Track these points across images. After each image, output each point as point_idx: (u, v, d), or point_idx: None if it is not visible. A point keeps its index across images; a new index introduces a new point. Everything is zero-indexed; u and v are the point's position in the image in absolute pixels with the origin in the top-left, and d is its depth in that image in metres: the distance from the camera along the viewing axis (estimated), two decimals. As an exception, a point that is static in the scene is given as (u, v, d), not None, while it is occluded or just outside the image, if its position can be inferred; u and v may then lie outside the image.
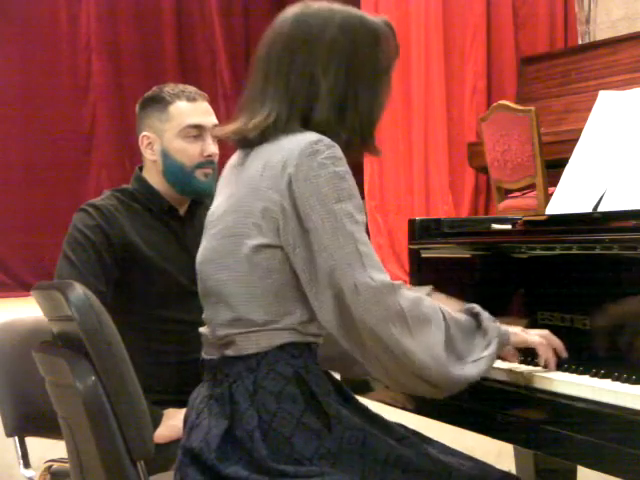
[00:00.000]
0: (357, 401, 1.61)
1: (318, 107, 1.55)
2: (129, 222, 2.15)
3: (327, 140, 1.50)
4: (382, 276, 1.46)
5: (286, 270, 1.50)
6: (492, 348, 1.54)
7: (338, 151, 1.50)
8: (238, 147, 1.64)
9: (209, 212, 1.66)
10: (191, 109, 2.18)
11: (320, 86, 1.55)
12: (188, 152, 2.16)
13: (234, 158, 1.65)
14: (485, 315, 1.57)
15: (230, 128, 1.61)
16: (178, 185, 2.19)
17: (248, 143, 1.59)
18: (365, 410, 1.59)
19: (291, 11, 1.61)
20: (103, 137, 6.91)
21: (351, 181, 1.51)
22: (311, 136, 1.51)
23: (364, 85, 1.59)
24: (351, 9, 1.62)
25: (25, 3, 6.62)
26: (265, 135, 1.55)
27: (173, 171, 2.17)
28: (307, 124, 1.55)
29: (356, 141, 1.59)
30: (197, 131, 2.16)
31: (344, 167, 1.50)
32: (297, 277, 1.50)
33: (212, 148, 2.17)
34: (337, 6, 1.62)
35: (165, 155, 2.17)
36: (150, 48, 7.09)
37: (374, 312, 1.44)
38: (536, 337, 1.61)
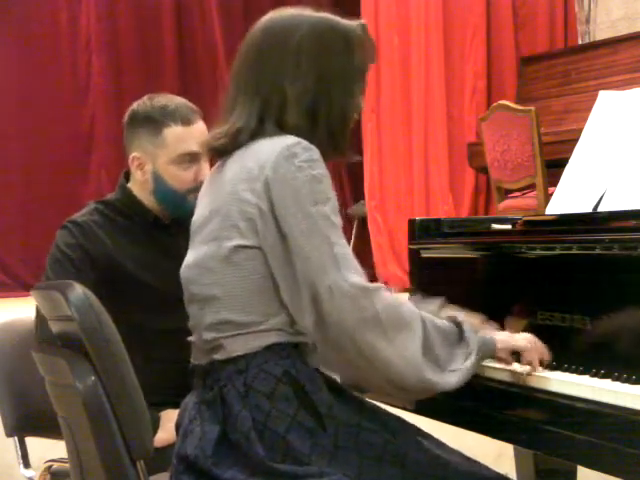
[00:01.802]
0: (351, 394, 1.60)
1: (288, 114, 1.56)
2: (111, 237, 2.12)
3: (305, 143, 1.51)
4: (357, 279, 1.46)
5: (268, 271, 1.50)
6: (471, 360, 1.53)
7: (315, 154, 1.50)
8: (216, 157, 1.65)
9: (192, 221, 1.67)
10: (186, 135, 2.11)
11: (287, 94, 1.56)
12: (182, 178, 2.12)
13: (213, 169, 1.67)
14: (467, 326, 1.57)
15: (208, 143, 1.64)
16: (169, 207, 2.16)
17: (222, 152, 1.60)
18: (360, 402, 1.60)
19: (261, 20, 1.63)
20: (103, 137, 6.90)
21: (328, 184, 1.51)
22: (288, 139, 1.51)
23: (336, 90, 1.59)
24: (323, 14, 1.62)
25: (25, 3, 6.62)
26: (236, 141, 1.56)
27: (164, 194, 2.14)
28: (281, 130, 1.55)
29: (329, 146, 1.59)
30: (190, 158, 2.12)
31: (321, 170, 1.50)
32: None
33: (206, 172, 2.10)
34: (308, 12, 1.62)
35: (157, 178, 2.13)
36: (150, 48, 7.09)
37: (349, 315, 1.44)
38: (523, 341, 1.61)
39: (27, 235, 6.43)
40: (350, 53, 1.61)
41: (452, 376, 1.50)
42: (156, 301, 2.11)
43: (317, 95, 1.57)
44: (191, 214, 2.13)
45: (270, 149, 1.50)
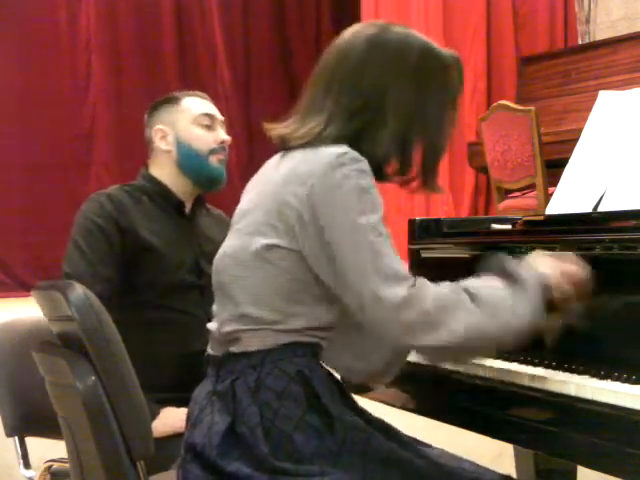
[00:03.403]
0: (357, 404, 1.61)
1: (377, 140, 1.55)
2: (138, 213, 2.19)
3: (353, 153, 1.49)
4: (396, 290, 1.44)
5: (299, 274, 1.49)
6: (536, 299, 1.49)
7: (365, 165, 1.49)
8: (280, 149, 1.62)
9: (238, 207, 1.65)
10: (201, 102, 2.31)
11: (385, 127, 1.54)
12: (202, 139, 2.24)
13: (275, 158, 1.63)
14: (520, 271, 1.52)
15: (278, 131, 1.60)
16: (193, 173, 2.24)
17: (289, 147, 1.58)
18: (365, 413, 1.60)
19: (368, 30, 1.59)
20: (103, 137, 6.91)
21: (375, 194, 1.49)
22: (338, 149, 1.49)
23: (431, 122, 1.58)
24: (425, 38, 1.61)
25: (25, 3, 6.63)
26: (305, 143, 1.54)
27: (188, 158, 2.23)
28: (358, 144, 1.53)
29: (415, 176, 1.60)
30: (209, 120, 2.26)
31: (369, 180, 1.48)
32: (309, 282, 1.49)
33: (224, 135, 2.27)
34: (414, 33, 1.61)
35: (179, 143, 2.24)
36: (150, 48, 7.10)
37: (394, 328, 1.44)
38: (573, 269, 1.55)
39: (27, 235, 6.44)
40: (446, 84, 1.60)
41: (523, 317, 1.47)
42: (172, 278, 2.17)
43: (411, 128, 1.57)
44: (213, 179, 2.26)
45: (320, 157, 1.49)
